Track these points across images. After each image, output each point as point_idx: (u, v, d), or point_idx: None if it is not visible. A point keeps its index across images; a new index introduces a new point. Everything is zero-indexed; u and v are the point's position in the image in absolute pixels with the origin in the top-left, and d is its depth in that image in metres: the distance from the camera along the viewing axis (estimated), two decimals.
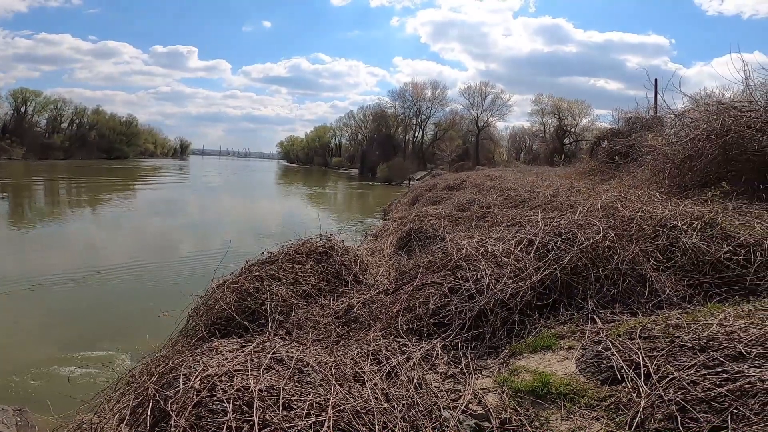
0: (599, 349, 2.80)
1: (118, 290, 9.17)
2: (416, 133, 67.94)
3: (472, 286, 3.53)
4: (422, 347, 3.22)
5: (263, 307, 4.23)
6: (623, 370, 2.52)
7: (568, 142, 53.26)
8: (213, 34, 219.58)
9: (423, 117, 66.59)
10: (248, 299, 4.34)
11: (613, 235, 3.87)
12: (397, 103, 66.85)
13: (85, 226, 17.78)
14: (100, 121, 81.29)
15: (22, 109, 69.62)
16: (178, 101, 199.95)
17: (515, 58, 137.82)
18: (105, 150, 79.64)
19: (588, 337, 3.08)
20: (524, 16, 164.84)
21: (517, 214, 6.97)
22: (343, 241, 5.81)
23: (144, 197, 29.72)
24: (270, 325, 4.04)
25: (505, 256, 3.79)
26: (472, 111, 61.90)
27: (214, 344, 2.77)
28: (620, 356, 2.63)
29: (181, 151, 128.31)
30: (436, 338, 3.34)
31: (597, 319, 3.33)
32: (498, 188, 11.93)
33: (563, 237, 3.87)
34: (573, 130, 54.07)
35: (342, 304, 4.18)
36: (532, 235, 3.98)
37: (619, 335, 2.90)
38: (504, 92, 62.42)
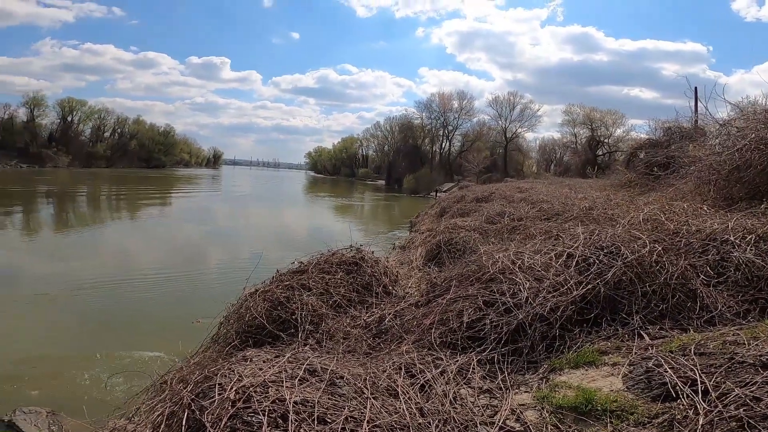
0: (649, 365, 2.68)
1: (153, 296, 9.43)
2: (443, 144, 67.66)
3: (509, 299, 3.41)
4: (457, 361, 3.12)
5: (294, 317, 4.22)
6: (677, 387, 2.40)
7: (601, 153, 51.77)
8: (244, 45, 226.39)
9: (450, 128, 66.30)
10: (279, 308, 4.34)
11: (660, 249, 3.67)
12: (423, 114, 66.81)
13: (124, 233, 18.52)
14: (140, 131, 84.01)
15: (69, 119, 72.87)
16: (211, 112, 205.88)
17: (543, 68, 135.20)
18: (144, 159, 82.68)
19: (636, 352, 2.95)
20: (552, 25, 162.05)
21: (551, 226, 6.76)
22: (373, 252, 5.77)
23: (179, 206, 30.79)
24: (300, 335, 4.02)
25: (543, 270, 3.66)
26: (500, 122, 61.28)
27: (248, 353, 2.76)
28: (674, 372, 2.51)
29: (214, 161, 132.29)
30: (471, 352, 3.24)
31: (644, 335, 3.18)
32: (529, 200, 11.64)
33: (606, 251, 3.70)
34: (606, 140, 52.48)
35: (373, 315, 4.12)
36: (572, 249, 3.83)
37: (671, 351, 2.77)
38: (533, 102, 61.42)
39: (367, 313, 4.24)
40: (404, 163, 64.61)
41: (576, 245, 3.87)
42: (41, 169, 59.54)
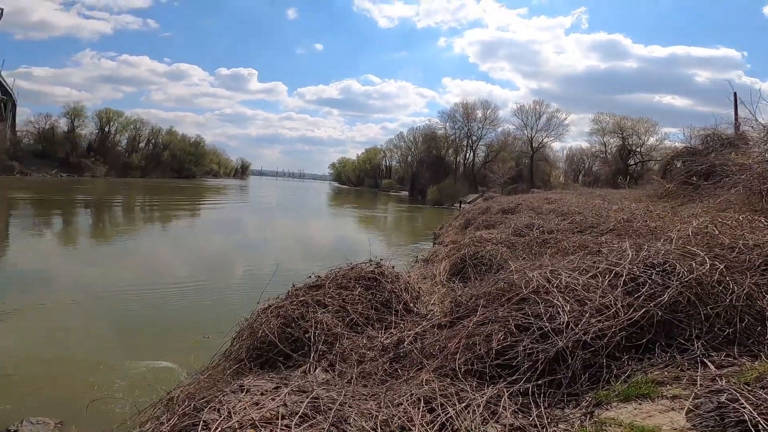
0: (722, 399, 2.31)
1: (174, 306, 9.36)
2: (467, 154, 66.78)
3: (546, 323, 3.01)
4: (485, 393, 2.74)
5: (307, 335, 3.94)
6: (760, 426, 2.06)
7: (633, 162, 49.89)
8: (270, 56, 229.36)
9: (474, 138, 65.44)
10: (292, 325, 4.07)
11: (722, 267, 3.20)
12: (447, 124, 66.27)
13: (154, 242, 18.81)
14: (172, 142, 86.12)
15: (106, 129, 75.13)
16: (239, 123, 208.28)
17: (569, 76, 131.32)
18: (176, 169, 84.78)
19: (701, 384, 2.55)
20: (577, 33, 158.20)
21: (586, 240, 6.27)
22: (393, 267, 5.45)
23: (208, 216, 31.34)
24: (312, 355, 3.73)
25: (584, 290, 3.24)
26: (525, 131, 60.17)
27: (246, 381, 2.47)
28: (754, 408, 2.15)
29: (242, 171, 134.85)
30: (501, 382, 2.85)
31: (709, 363, 2.75)
32: (558, 212, 11.08)
33: (658, 269, 3.25)
34: (638, 150, 50.58)
35: (391, 336, 3.77)
36: (618, 267, 3.39)
37: (746, 383, 2.38)
38: (559, 111, 59.91)
39: (385, 333, 3.90)
40: (428, 173, 64.14)
41: (622, 263, 3.43)
42: (80, 179, 62.01)
